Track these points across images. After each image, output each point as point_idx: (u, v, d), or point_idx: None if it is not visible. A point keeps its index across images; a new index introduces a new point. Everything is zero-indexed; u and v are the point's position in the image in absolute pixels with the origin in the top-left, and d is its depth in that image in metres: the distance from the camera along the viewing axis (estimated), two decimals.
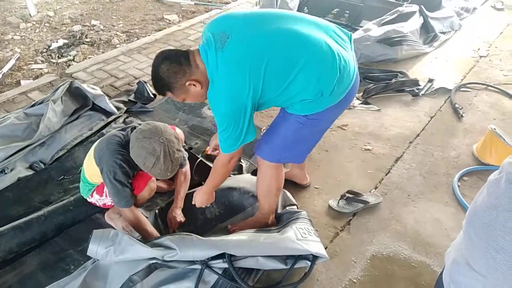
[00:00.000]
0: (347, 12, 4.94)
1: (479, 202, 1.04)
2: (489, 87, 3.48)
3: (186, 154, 2.19)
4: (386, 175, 2.58)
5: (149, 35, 4.62)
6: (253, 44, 1.53)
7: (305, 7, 5.02)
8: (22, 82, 3.66)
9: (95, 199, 2.12)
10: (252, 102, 1.56)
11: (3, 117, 2.84)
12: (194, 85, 1.59)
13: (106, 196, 2.06)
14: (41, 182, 2.50)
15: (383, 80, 3.51)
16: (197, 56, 1.58)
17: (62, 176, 2.54)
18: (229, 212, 2.27)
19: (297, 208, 2.18)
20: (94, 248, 1.75)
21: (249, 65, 1.51)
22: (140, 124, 1.93)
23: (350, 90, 1.70)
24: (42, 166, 2.59)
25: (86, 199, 2.17)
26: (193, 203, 2.03)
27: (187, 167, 2.25)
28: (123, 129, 1.97)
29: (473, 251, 1.06)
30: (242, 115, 1.57)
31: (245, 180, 2.33)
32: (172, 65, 1.55)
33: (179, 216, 2.11)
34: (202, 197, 1.99)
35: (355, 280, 1.95)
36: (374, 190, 2.46)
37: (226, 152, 1.71)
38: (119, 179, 1.87)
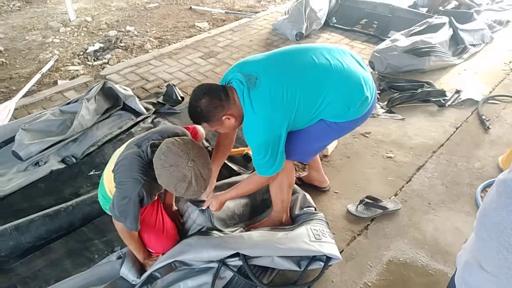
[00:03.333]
0: (376, 23, 4.95)
1: (488, 202, 1.04)
2: None
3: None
4: (407, 183, 2.57)
5: (180, 41, 4.78)
6: (283, 81, 1.67)
7: (334, 17, 5.07)
8: (59, 82, 3.86)
9: None
10: (286, 131, 1.72)
11: (40, 113, 3.00)
12: (229, 118, 1.71)
13: None
14: (72, 175, 2.63)
15: (408, 89, 3.50)
16: (234, 92, 1.71)
17: (93, 171, 2.67)
18: (251, 212, 2.32)
19: (315, 210, 2.20)
20: (125, 272, 1.92)
21: (283, 99, 1.66)
22: (161, 137, 1.77)
23: (373, 102, 1.87)
24: (74, 160, 2.73)
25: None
26: (205, 207, 2.01)
27: None
28: (138, 144, 1.77)
29: (485, 252, 1.05)
30: (277, 143, 1.72)
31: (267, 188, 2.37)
32: (213, 100, 1.65)
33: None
34: (219, 205, 2.00)
35: (370, 284, 1.95)
36: (393, 197, 2.46)
37: (266, 175, 1.82)
38: (133, 208, 1.72)
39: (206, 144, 2.77)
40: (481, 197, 2.41)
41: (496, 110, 3.30)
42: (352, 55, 1.85)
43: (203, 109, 1.66)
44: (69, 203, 2.28)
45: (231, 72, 1.78)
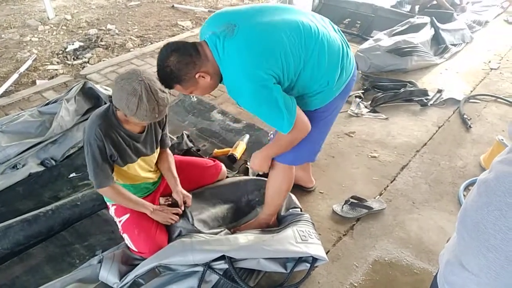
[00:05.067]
0: (359, 22, 4.99)
1: (469, 202, 1.05)
2: (499, 99, 3.47)
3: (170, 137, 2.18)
4: (391, 182, 2.58)
5: (162, 40, 4.72)
6: (265, 30, 1.52)
7: None
8: (38, 81, 3.76)
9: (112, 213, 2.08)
10: (271, 76, 1.50)
11: (18, 114, 2.90)
12: (203, 77, 1.56)
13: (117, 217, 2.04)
14: (52, 178, 2.55)
15: (392, 89, 3.53)
16: (205, 47, 1.56)
17: (73, 174, 2.60)
18: (236, 214, 2.30)
19: (301, 211, 2.19)
20: (105, 275, 1.86)
21: (263, 45, 1.50)
22: None
23: (351, 78, 1.78)
24: (53, 163, 2.65)
25: (106, 201, 2.12)
26: (250, 165, 1.90)
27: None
28: None
29: (466, 251, 1.06)
30: (266, 90, 1.50)
31: (252, 188, 2.37)
32: (183, 57, 1.50)
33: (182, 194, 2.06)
34: (262, 162, 1.85)
35: (356, 284, 1.95)
36: (378, 196, 2.47)
37: (284, 131, 1.61)
38: (94, 155, 1.75)
39: (190, 144, 2.73)
40: (464, 195, 2.44)
41: (477, 109, 3.35)
42: (331, 23, 1.75)
43: (173, 68, 1.51)
44: (48, 207, 2.20)
45: (207, 26, 1.62)
